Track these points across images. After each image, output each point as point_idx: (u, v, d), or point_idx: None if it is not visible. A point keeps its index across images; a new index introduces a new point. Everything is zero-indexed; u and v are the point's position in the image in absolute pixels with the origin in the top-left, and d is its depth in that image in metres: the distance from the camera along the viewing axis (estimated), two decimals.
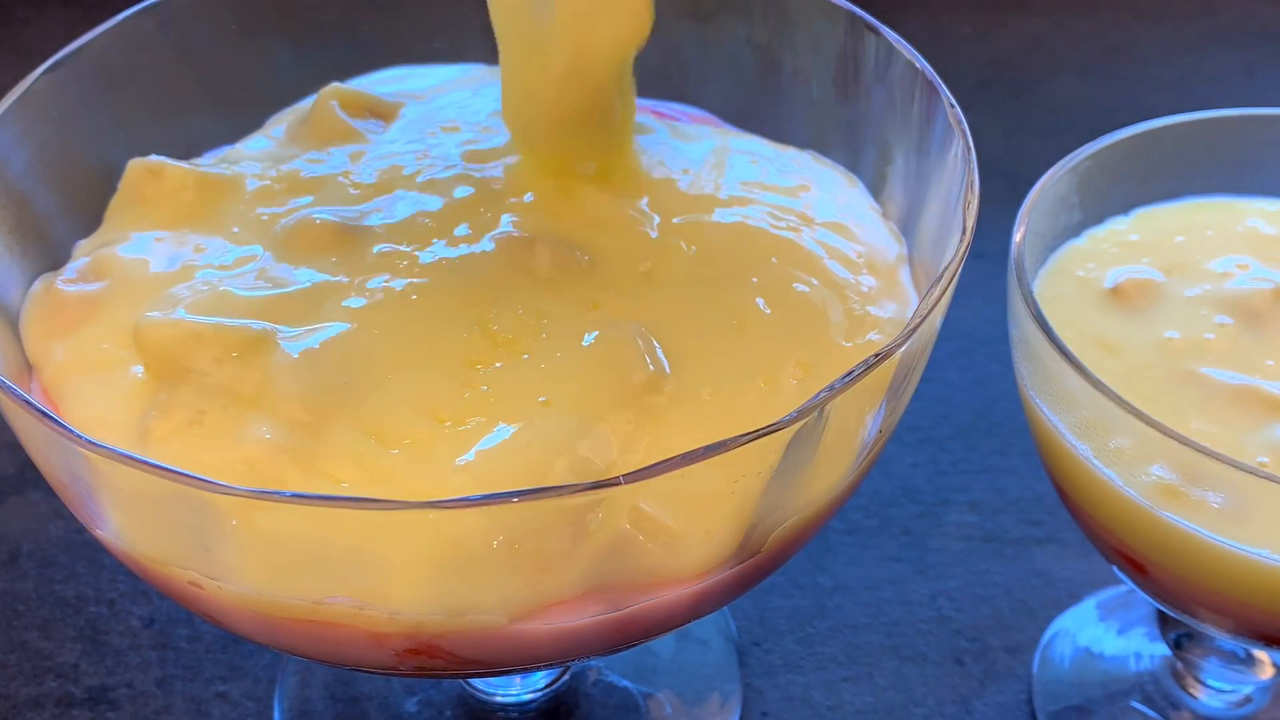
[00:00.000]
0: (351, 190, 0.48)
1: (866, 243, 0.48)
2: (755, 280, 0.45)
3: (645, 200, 0.48)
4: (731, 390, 0.41)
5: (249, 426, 0.39)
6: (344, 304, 0.43)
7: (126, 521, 0.38)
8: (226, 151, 0.53)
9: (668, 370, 0.41)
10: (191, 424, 0.39)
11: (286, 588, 0.36)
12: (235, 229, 0.47)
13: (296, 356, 0.40)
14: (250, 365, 0.40)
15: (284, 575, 0.36)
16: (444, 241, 0.45)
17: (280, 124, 0.53)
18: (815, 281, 0.45)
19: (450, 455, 0.38)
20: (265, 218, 0.47)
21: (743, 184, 0.50)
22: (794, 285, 0.45)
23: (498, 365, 0.41)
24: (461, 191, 0.48)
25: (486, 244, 0.45)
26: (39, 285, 0.46)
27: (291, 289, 0.43)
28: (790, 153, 0.53)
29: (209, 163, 0.51)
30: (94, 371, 0.42)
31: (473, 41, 0.55)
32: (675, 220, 0.47)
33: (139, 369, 0.42)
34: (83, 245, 0.48)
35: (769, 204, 0.49)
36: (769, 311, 0.44)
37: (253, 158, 0.51)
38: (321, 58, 0.55)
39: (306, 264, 0.44)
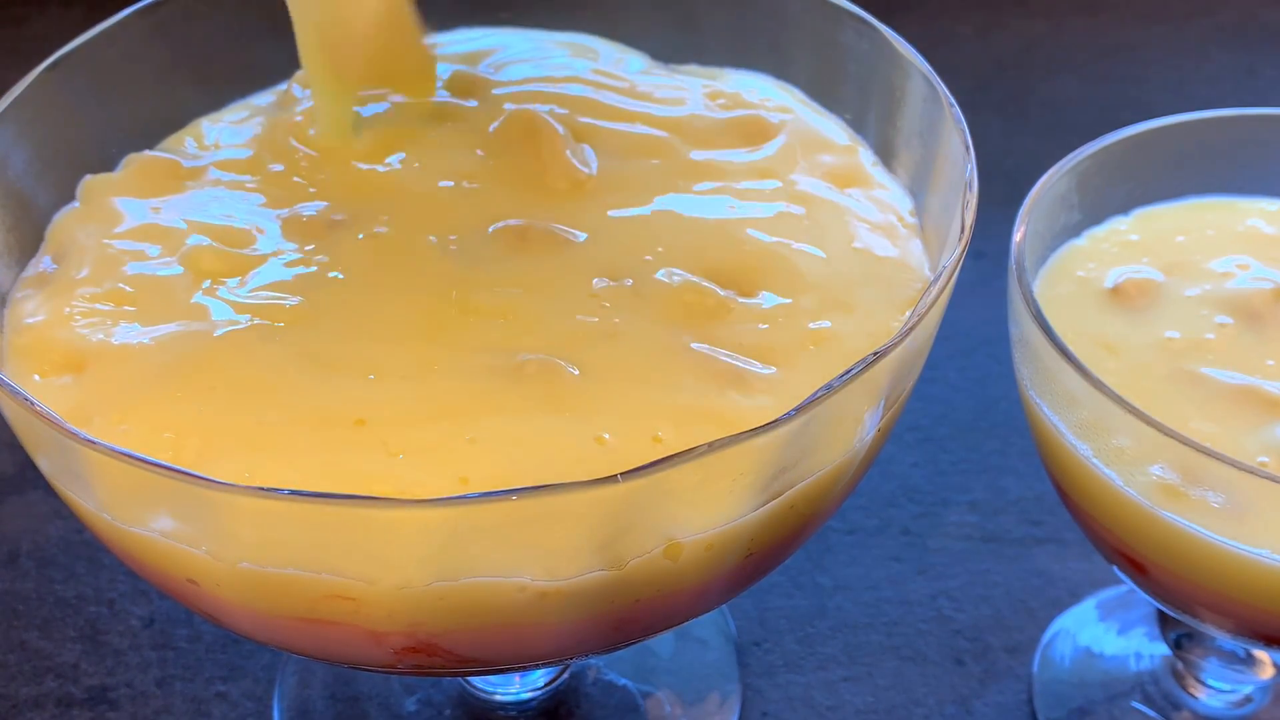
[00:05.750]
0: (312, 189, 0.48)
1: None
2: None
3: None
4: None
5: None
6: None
7: (117, 508, 0.38)
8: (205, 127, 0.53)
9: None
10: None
11: (282, 559, 0.36)
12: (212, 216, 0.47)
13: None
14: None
15: (279, 553, 0.36)
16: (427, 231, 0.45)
17: (258, 115, 0.53)
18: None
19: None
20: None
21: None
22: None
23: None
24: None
25: (481, 233, 0.45)
26: (31, 274, 0.46)
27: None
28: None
29: (191, 149, 0.51)
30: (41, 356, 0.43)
31: None
32: None
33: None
34: (58, 222, 0.48)
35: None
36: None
37: (231, 145, 0.51)
38: None
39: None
